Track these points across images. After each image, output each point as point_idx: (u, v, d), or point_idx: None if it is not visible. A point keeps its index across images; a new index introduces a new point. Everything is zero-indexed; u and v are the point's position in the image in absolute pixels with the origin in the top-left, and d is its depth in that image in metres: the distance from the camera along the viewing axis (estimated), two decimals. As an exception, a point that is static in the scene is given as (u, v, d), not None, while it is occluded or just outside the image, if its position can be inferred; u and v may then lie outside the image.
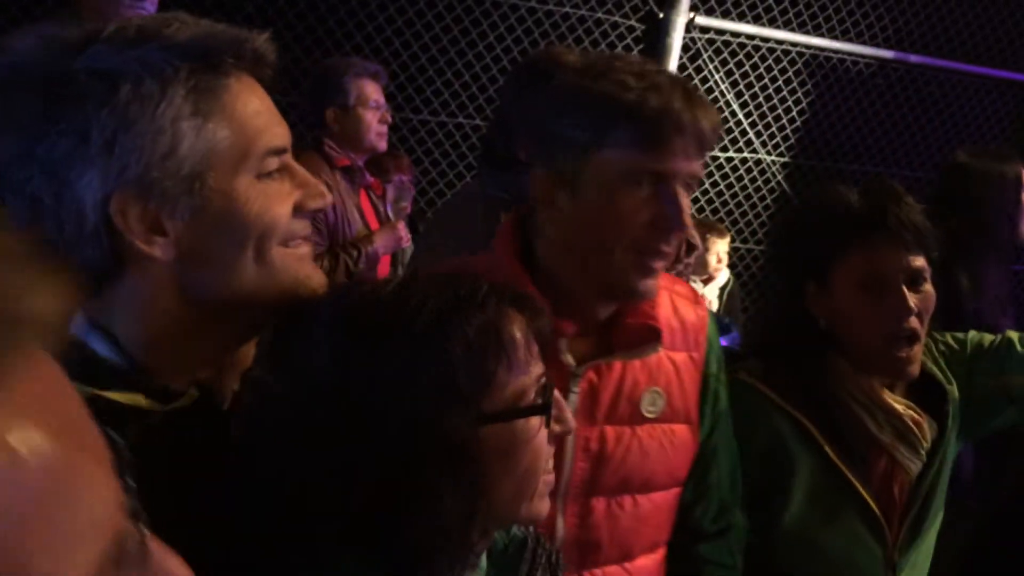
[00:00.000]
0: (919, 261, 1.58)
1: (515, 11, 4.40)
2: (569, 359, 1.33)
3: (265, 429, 0.94)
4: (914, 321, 1.56)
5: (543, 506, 1.01)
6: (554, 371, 1.31)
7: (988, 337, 1.75)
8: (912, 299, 1.56)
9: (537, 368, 0.99)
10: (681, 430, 1.44)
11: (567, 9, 4.45)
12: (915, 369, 1.59)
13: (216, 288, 0.93)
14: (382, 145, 3.31)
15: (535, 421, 0.97)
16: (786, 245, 1.76)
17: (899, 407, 1.62)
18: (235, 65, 0.93)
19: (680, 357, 1.44)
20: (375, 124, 3.23)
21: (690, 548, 1.52)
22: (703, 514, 1.53)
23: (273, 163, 0.95)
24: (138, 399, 0.89)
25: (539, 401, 0.98)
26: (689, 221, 1.30)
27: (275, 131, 0.96)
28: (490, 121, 2.04)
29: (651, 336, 1.36)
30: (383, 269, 3.35)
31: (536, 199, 1.35)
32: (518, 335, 0.96)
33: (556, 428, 1.02)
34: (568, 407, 1.31)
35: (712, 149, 1.33)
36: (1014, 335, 1.72)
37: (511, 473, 0.96)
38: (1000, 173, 2.72)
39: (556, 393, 1.02)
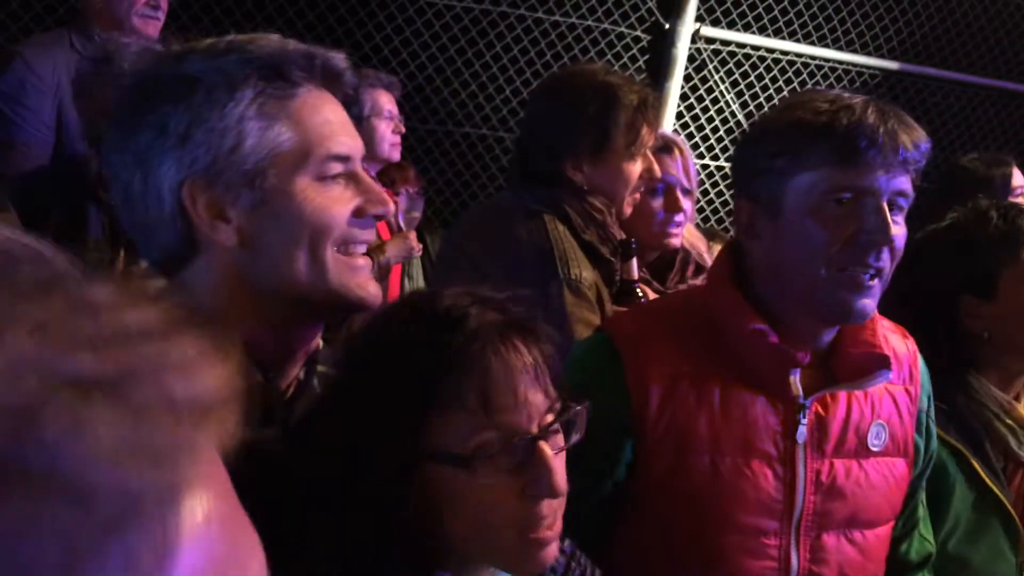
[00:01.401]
0: None
1: (522, 22, 4.41)
2: (798, 389, 1.33)
3: (322, 422, 0.96)
4: None
5: (537, 563, 0.95)
6: (780, 402, 1.33)
7: None
8: None
9: (514, 416, 0.92)
10: (900, 464, 1.44)
11: (574, 20, 4.46)
12: None
13: (272, 279, 1.01)
14: (395, 156, 3.33)
15: (488, 476, 0.91)
16: (936, 262, 1.74)
17: None
18: (306, 78, 1.03)
19: (897, 390, 1.44)
20: (388, 135, 3.25)
21: None
22: (909, 547, 1.54)
23: (335, 167, 1.02)
24: None
25: (501, 454, 0.91)
26: (893, 233, 1.26)
27: (340, 139, 1.04)
28: (523, 136, 2.03)
29: (876, 365, 1.34)
30: (394, 278, 3.36)
31: (740, 229, 1.37)
32: (478, 387, 0.91)
33: (531, 493, 0.94)
34: (799, 439, 1.32)
35: (920, 166, 1.30)
36: None
37: (459, 516, 0.92)
38: (988, 176, 2.79)
39: (546, 452, 0.94)
